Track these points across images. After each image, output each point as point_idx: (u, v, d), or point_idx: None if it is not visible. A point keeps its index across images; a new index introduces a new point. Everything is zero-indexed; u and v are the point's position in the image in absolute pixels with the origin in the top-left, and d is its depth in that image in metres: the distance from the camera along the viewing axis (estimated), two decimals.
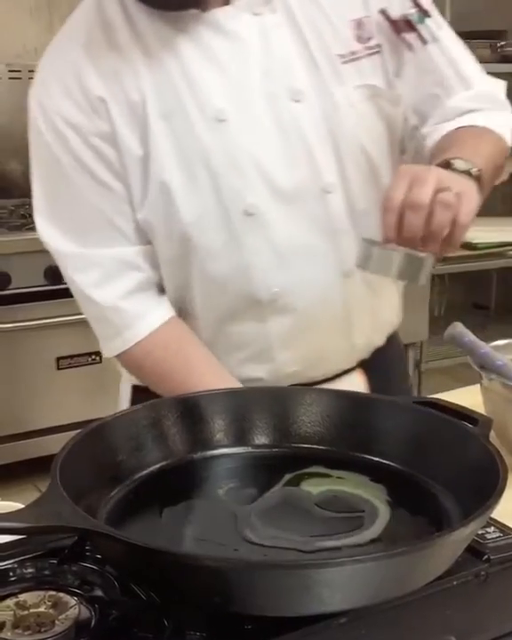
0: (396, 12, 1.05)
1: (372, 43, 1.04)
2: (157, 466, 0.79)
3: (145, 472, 0.78)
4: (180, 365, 1.03)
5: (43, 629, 0.62)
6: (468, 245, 2.79)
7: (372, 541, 0.70)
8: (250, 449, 0.83)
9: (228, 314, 1.06)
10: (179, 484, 0.78)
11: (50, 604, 0.65)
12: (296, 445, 0.83)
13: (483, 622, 0.71)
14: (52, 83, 0.99)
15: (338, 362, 1.13)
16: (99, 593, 0.66)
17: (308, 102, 1.01)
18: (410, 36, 1.06)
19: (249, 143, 0.99)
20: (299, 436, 0.84)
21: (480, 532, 0.72)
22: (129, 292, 1.03)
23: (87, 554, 0.69)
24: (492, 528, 0.74)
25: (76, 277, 1.03)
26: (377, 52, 1.04)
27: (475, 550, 0.71)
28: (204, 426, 0.83)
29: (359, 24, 1.04)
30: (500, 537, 0.73)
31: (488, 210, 3.55)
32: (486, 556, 0.71)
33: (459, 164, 0.92)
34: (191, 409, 0.82)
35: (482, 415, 0.80)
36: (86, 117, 0.98)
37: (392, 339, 1.21)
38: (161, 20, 0.98)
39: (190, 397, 0.84)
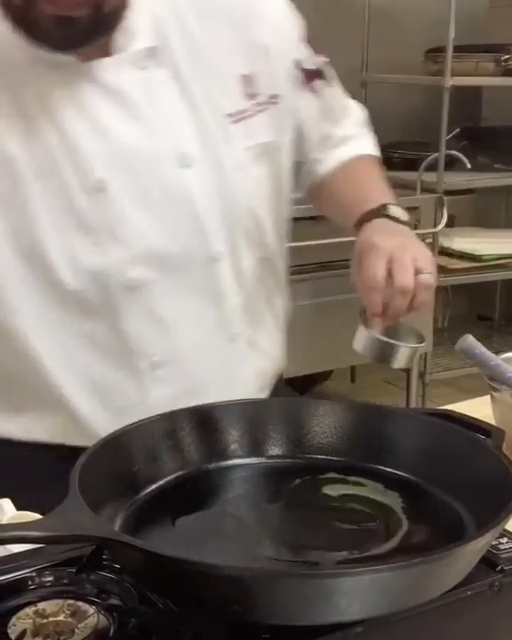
0: (309, 64, 1.06)
1: (262, 99, 1.00)
2: (173, 476, 0.80)
3: (161, 482, 0.79)
4: None
5: (62, 638, 0.63)
6: (473, 257, 2.80)
7: (390, 551, 0.71)
8: (264, 460, 0.84)
9: (103, 382, 0.99)
10: (194, 493, 0.79)
11: (69, 612, 0.65)
12: (310, 456, 0.84)
13: (496, 632, 0.72)
14: None
15: None
16: (117, 602, 0.67)
17: (197, 167, 0.95)
18: (317, 83, 1.09)
19: (131, 213, 0.93)
20: (312, 447, 0.84)
21: (494, 544, 0.73)
22: None
23: (105, 563, 0.70)
24: (505, 539, 0.75)
25: None
26: (270, 105, 1.01)
27: (488, 561, 0.71)
28: (218, 436, 0.83)
29: (247, 79, 0.99)
30: None
31: (492, 222, 3.58)
32: (500, 567, 0.71)
33: (396, 212, 1.02)
34: (206, 419, 0.83)
35: (495, 427, 0.81)
36: None
37: (277, 391, 1.17)
38: (39, 66, 0.88)
39: (205, 408, 0.85)
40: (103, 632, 0.63)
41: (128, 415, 0.94)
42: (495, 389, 1.01)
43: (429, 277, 0.95)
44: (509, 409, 0.99)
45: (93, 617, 0.65)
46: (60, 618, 0.65)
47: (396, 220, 1.01)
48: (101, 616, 0.65)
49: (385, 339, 0.93)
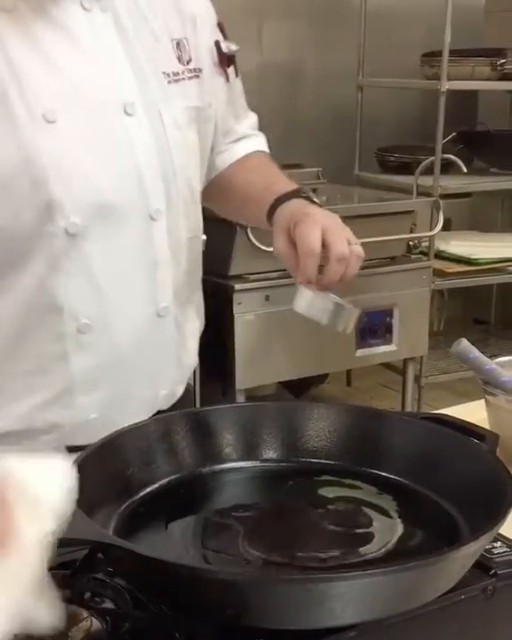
0: (226, 48, 1.08)
1: (192, 66, 1.01)
2: (167, 479, 0.80)
3: (155, 485, 0.79)
4: None
5: None
6: (468, 261, 2.81)
7: (384, 555, 0.71)
8: (258, 463, 0.84)
9: (24, 348, 0.94)
10: (188, 497, 0.79)
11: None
12: (304, 460, 0.84)
13: (490, 636, 0.72)
14: None
15: (138, 413, 0.97)
16: (110, 605, 0.67)
17: (139, 117, 0.94)
18: (229, 70, 1.10)
19: (79, 151, 0.90)
20: (306, 451, 0.85)
21: (487, 548, 0.73)
22: None
23: (98, 566, 0.70)
24: (499, 543, 0.75)
25: None
26: (197, 76, 1.02)
27: (482, 565, 0.71)
28: (212, 440, 0.83)
29: (179, 45, 1.00)
30: (506, 552, 0.74)
31: (488, 226, 3.58)
32: (493, 571, 0.71)
33: (311, 195, 1.07)
34: (200, 423, 0.83)
35: (489, 431, 0.81)
36: None
37: (186, 394, 1.14)
38: None
39: (200, 412, 0.85)
40: (96, 636, 0.63)
41: (42, 385, 0.95)
42: (490, 393, 1.01)
43: (360, 248, 0.98)
44: (504, 413, 0.99)
45: (87, 621, 0.65)
46: None
47: (312, 201, 1.04)
48: (95, 620, 0.65)
49: (339, 300, 0.95)
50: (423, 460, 0.81)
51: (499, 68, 2.85)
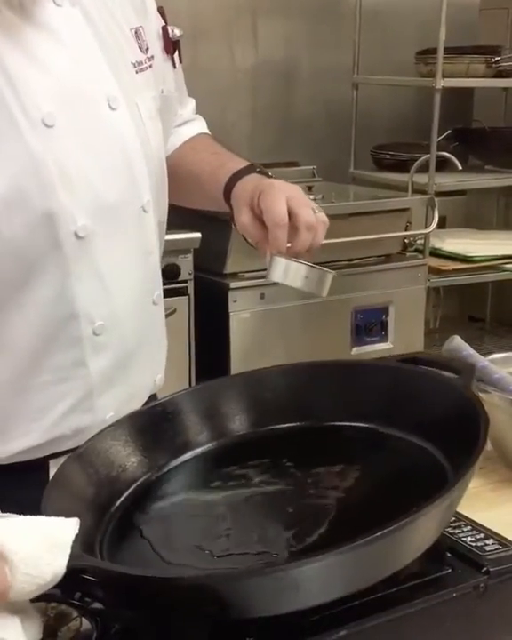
0: (173, 34, 1.08)
1: (149, 54, 1.02)
2: (133, 486, 0.79)
3: (124, 495, 0.78)
4: None
5: None
6: (464, 258, 2.81)
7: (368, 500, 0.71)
8: (233, 438, 0.84)
9: (44, 361, 0.93)
10: (155, 498, 0.79)
11: (52, 615, 0.65)
12: (277, 426, 0.83)
13: (482, 634, 0.72)
14: None
15: (141, 403, 1.00)
16: (100, 605, 0.66)
17: (122, 111, 0.94)
18: (175, 56, 1.11)
19: (78, 153, 0.90)
20: (278, 415, 0.84)
21: (479, 545, 0.73)
22: None
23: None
24: (491, 540, 0.75)
25: None
26: (151, 65, 1.02)
27: (474, 562, 0.71)
28: (179, 430, 0.83)
29: (137, 34, 1.00)
30: (498, 549, 0.74)
31: (483, 223, 3.58)
32: (485, 569, 0.71)
33: (267, 171, 1.06)
34: (159, 417, 0.83)
35: (465, 364, 0.81)
36: None
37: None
38: None
39: (156, 406, 0.85)
40: (86, 635, 0.63)
41: (63, 393, 0.94)
42: (483, 391, 1.01)
43: (325, 216, 0.99)
44: (497, 410, 0.99)
45: (77, 620, 0.64)
46: (43, 620, 0.64)
47: (268, 175, 1.05)
48: (84, 620, 0.65)
49: (317, 267, 0.97)
50: (399, 401, 0.81)
51: (493, 65, 2.85)
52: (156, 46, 1.05)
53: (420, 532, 0.64)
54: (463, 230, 3.13)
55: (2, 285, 0.89)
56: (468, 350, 1.01)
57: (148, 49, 1.01)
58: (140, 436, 0.82)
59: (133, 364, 1.00)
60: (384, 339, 2.59)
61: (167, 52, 1.08)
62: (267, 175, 1.05)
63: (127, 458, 0.80)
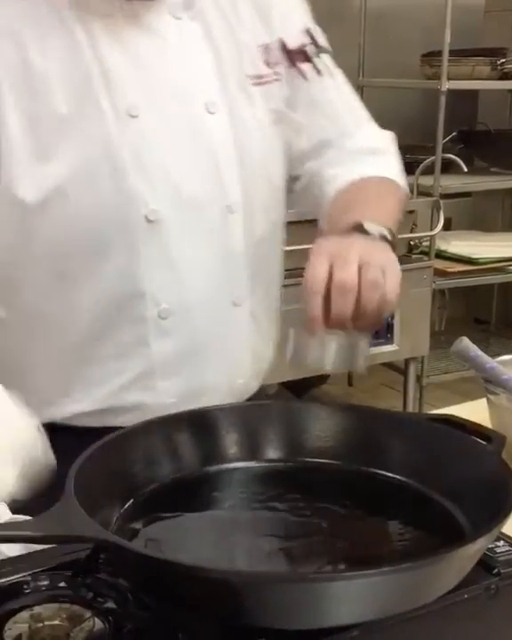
0: (293, 43, 1.07)
1: (278, 68, 1.06)
2: (170, 478, 0.79)
3: (158, 485, 0.78)
4: None
5: None
6: (469, 260, 2.80)
7: (386, 555, 0.71)
8: (262, 463, 0.84)
9: (107, 334, 0.98)
10: (191, 496, 0.79)
11: (64, 616, 0.65)
12: (309, 460, 0.83)
13: (493, 635, 0.72)
14: None
15: (213, 402, 0.95)
16: (113, 606, 0.66)
17: (220, 116, 0.99)
18: (304, 66, 1.09)
19: (159, 144, 0.95)
20: (312, 451, 0.84)
21: (490, 547, 0.73)
22: None
23: (101, 567, 0.69)
24: (502, 542, 0.75)
25: None
26: (280, 79, 1.06)
27: (485, 564, 0.71)
28: (216, 439, 0.83)
29: (267, 49, 1.05)
30: (510, 551, 0.74)
31: (488, 225, 3.58)
32: (496, 570, 0.71)
33: (371, 227, 0.89)
34: (204, 422, 0.83)
35: (495, 432, 0.80)
36: None
37: (260, 391, 1.15)
38: (87, 9, 0.92)
39: (203, 411, 0.84)
40: (98, 636, 0.63)
41: (123, 369, 0.99)
42: (491, 392, 1.01)
43: (376, 273, 0.82)
44: (506, 412, 0.99)
45: (89, 621, 0.64)
46: (56, 622, 0.65)
47: (369, 234, 0.89)
48: (97, 620, 0.65)
49: (339, 337, 0.81)
50: (428, 460, 0.81)
51: (498, 67, 2.85)
52: (280, 62, 1.07)
53: (446, 571, 0.64)
54: (469, 232, 3.13)
55: (76, 256, 0.95)
56: (475, 351, 1.02)
57: (275, 64, 1.06)
58: (171, 437, 0.82)
59: (203, 359, 1.03)
60: (390, 341, 2.59)
61: (291, 63, 1.08)
62: (367, 234, 0.88)
63: (154, 455, 0.80)
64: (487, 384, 1.01)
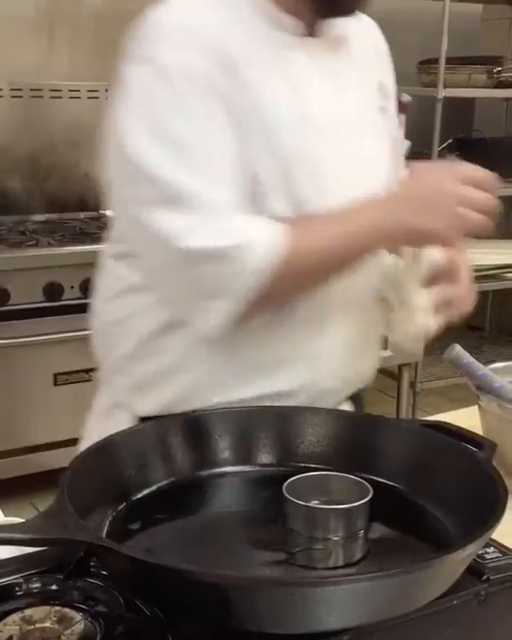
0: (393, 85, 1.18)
1: (386, 103, 1.14)
2: (163, 482, 0.80)
3: (151, 488, 0.79)
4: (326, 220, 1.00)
5: None
6: None
7: (374, 561, 0.71)
8: (255, 467, 0.84)
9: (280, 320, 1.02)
10: (183, 500, 0.79)
11: (55, 619, 0.65)
12: (301, 465, 0.84)
13: None
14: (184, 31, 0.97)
15: (347, 390, 1.13)
16: (104, 608, 0.67)
17: (370, 143, 1.08)
18: (402, 116, 1.25)
19: (336, 156, 1.03)
20: (304, 456, 0.85)
21: (480, 553, 0.73)
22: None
23: (92, 570, 0.70)
24: (492, 548, 0.75)
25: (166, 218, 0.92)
26: (388, 113, 1.15)
27: (474, 570, 0.72)
28: (208, 444, 0.84)
29: (380, 86, 1.13)
30: (499, 557, 0.74)
31: (483, 232, 3.53)
32: (486, 576, 0.72)
33: None
34: (197, 427, 0.83)
35: (487, 440, 0.81)
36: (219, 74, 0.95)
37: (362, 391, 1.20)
38: (271, 42, 1.01)
39: (198, 415, 0.85)
40: (90, 638, 0.64)
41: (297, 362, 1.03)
42: (482, 399, 1.01)
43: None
44: (496, 419, 0.99)
45: (80, 623, 0.65)
46: (47, 624, 0.65)
47: None
48: (88, 623, 0.65)
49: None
50: (419, 466, 0.81)
51: (495, 75, 2.86)
52: (391, 102, 1.16)
53: (434, 578, 0.65)
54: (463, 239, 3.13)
55: None
56: (468, 358, 1.02)
57: (386, 99, 1.14)
58: (165, 441, 0.82)
59: (348, 348, 1.08)
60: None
61: (400, 112, 1.22)
62: None
63: (148, 459, 0.81)
64: (479, 391, 1.02)
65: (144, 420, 1.00)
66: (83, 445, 1.02)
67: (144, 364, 1.04)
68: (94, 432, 1.05)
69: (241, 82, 0.96)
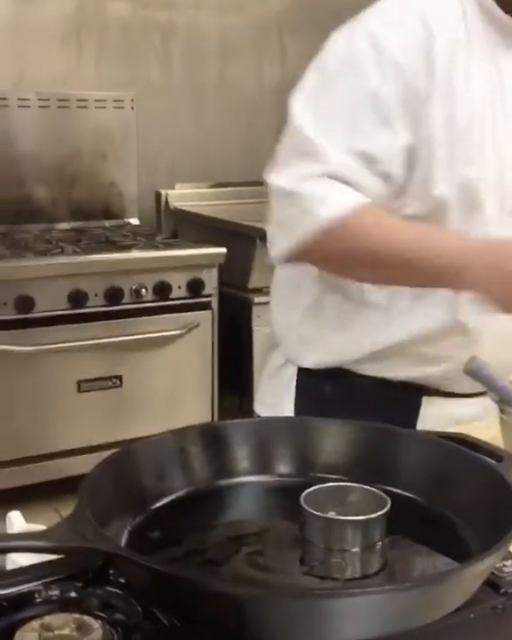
0: None
1: None
2: (182, 492, 0.80)
3: (170, 498, 0.79)
4: (409, 226, 1.07)
5: None
6: None
7: (393, 573, 0.71)
8: (274, 478, 0.85)
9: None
10: (202, 510, 0.80)
11: (74, 626, 0.66)
12: (320, 475, 0.84)
13: None
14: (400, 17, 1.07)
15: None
16: (122, 617, 0.67)
17: None
18: None
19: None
20: (323, 467, 0.85)
21: (498, 566, 0.73)
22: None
23: (111, 578, 0.70)
24: (509, 562, 0.75)
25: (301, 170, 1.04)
26: None
27: (492, 583, 0.71)
28: (228, 454, 0.84)
29: None
30: None
31: None
32: (503, 590, 0.71)
33: None
34: (217, 437, 0.84)
35: (506, 452, 0.81)
36: (415, 63, 1.04)
37: None
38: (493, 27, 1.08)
39: (216, 425, 0.85)
40: None
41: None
42: (503, 412, 1.01)
43: None
44: None
45: (98, 631, 0.65)
46: (66, 631, 0.66)
47: None
48: (106, 630, 0.66)
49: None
50: (438, 478, 0.81)
51: None
52: None
53: (450, 591, 0.65)
54: None
55: None
56: (488, 370, 1.02)
57: None
58: (184, 451, 0.83)
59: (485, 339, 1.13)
60: None
61: None
62: None
63: (167, 468, 0.81)
64: (499, 403, 1.01)
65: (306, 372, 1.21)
66: (256, 408, 1.27)
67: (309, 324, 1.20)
68: (267, 393, 1.28)
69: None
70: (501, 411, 1.01)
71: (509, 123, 1.09)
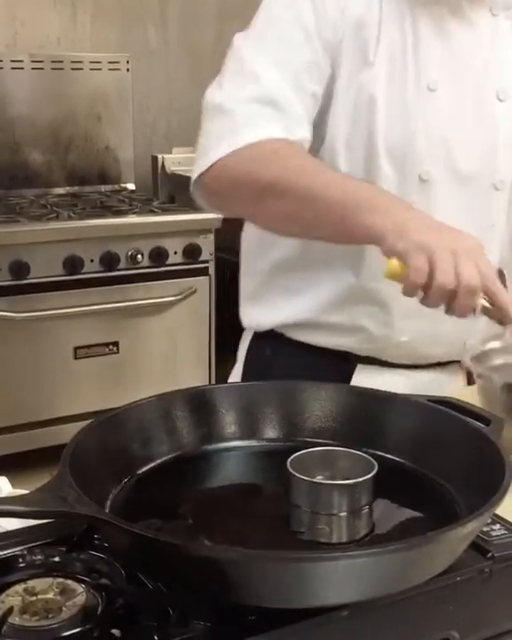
0: None
1: None
2: (168, 457, 0.80)
3: (155, 463, 0.79)
4: (314, 162, 1.05)
5: (50, 615, 0.63)
6: None
7: (378, 536, 0.71)
8: (260, 442, 0.84)
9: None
10: (187, 475, 0.79)
11: (57, 590, 0.66)
12: (307, 440, 0.83)
13: (485, 618, 0.72)
14: None
15: (441, 355, 1.19)
16: (106, 581, 0.67)
17: (509, 103, 1.11)
18: None
19: (447, 118, 1.09)
20: (311, 431, 0.84)
21: (485, 530, 0.73)
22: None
23: (95, 542, 0.70)
24: (497, 525, 0.75)
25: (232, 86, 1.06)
26: None
27: (479, 547, 0.71)
28: (214, 418, 0.83)
29: None
30: (504, 534, 0.74)
31: None
32: (490, 554, 0.71)
33: None
34: (203, 401, 0.83)
35: (494, 415, 0.80)
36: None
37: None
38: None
39: (203, 390, 0.85)
40: (91, 610, 0.64)
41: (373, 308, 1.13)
42: (481, 376, 1.00)
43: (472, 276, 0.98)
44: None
45: (82, 595, 0.65)
46: (49, 596, 0.65)
47: None
48: (90, 595, 0.65)
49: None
50: (426, 441, 0.81)
51: None
52: None
53: (435, 553, 0.64)
54: None
55: None
56: None
57: None
58: (170, 416, 0.82)
59: (439, 314, 1.04)
60: None
61: None
62: None
63: (153, 433, 0.81)
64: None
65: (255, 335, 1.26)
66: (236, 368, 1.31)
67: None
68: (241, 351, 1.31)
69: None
70: (478, 376, 1.00)
71: (419, 85, 1.08)
